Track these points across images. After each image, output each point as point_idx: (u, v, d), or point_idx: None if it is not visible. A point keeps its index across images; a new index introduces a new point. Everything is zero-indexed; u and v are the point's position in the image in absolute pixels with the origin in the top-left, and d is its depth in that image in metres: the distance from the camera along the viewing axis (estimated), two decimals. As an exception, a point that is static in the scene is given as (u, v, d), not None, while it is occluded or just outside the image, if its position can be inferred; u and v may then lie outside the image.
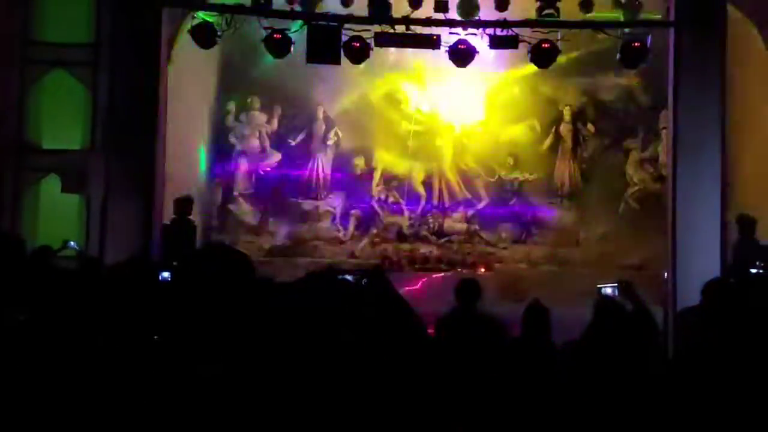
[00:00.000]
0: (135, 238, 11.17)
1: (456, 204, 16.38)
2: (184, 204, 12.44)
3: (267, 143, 16.38)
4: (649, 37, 11.88)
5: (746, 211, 11.86)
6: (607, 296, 9.39)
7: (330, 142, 16.40)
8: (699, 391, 3.56)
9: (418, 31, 12.05)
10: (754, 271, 10.85)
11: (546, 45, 11.77)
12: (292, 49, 12.03)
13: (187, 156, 14.97)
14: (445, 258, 15.81)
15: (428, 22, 11.96)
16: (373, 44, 12.03)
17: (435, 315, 6.89)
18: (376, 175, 16.39)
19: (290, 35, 11.94)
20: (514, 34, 11.86)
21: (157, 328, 2.73)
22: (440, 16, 11.87)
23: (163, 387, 2.50)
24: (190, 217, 12.56)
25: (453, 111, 16.37)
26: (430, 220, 16.26)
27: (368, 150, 16.41)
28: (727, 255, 11.35)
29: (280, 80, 15.69)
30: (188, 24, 11.99)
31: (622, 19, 11.98)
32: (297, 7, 12.00)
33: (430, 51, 12.39)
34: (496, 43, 11.94)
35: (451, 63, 12.20)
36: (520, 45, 11.94)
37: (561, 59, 12.38)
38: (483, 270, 15.25)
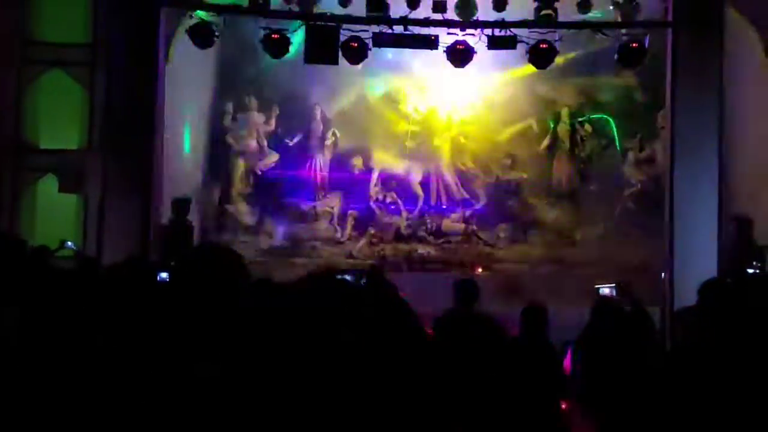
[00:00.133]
0: (132, 239, 11.16)
1: (454, 204, 16.38)
2: (181, 204, 12.46)
3: (264, 143, 16.38)
4: (647, 37, 11.89)
5: (742, 211, 11.88)
6: (605, 296, 9.42)
7: (328, 143, 16.40)
8: (695, 390, 3.56)
9: (416, 32, 12.06)
10: (750, 271, 10.88)
11: (544, 46, 11.78)
12: (290, 49, 12.03)
13: (185, 156, 14.97)
14: (442, 258, 15.82)
15: (426, 22, 11.97)
16: (371, 44, 12.03)
17: (433, 315, 6.89)
18: (374, 176, 16.40)
19: (288, 35, 11.95)
20: (512, 34, 11.87)
21: (156, 329, 2.72)
22: (438, 16, 11.88)
23: (161, 387, 2.50)
24: (188, 217, 12.57)
25: (451, 111, 16.38)
26: (428, 221, 16.27)
27: (366, 150, 16.42)
28: (723, 255, 11.36)
29: (278, 80, 15.70)
30: (186, 24, 11.99)
31: (619, 19, 11.99)
32: (295, 8, 12.00)
33: (428, 51, 12.39)
34: (494, 43, 11.95)
35: (449, 63, 12.21)
36: (518, 45, 11.95)
37: (558, 59, 12.40)
38: (481, 270, 15.26)
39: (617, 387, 4.78)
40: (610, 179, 16.02)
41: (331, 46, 11.81)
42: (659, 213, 12.80)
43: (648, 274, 13.43)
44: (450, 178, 16.47)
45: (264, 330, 2.68)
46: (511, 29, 11.87)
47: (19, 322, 3.33)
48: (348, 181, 16.44)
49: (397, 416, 2.83)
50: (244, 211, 16.26)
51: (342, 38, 11.85)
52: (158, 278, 3.94)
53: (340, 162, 16.44)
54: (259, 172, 16.31)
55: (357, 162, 16.40)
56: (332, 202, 16.40)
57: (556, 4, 11.76)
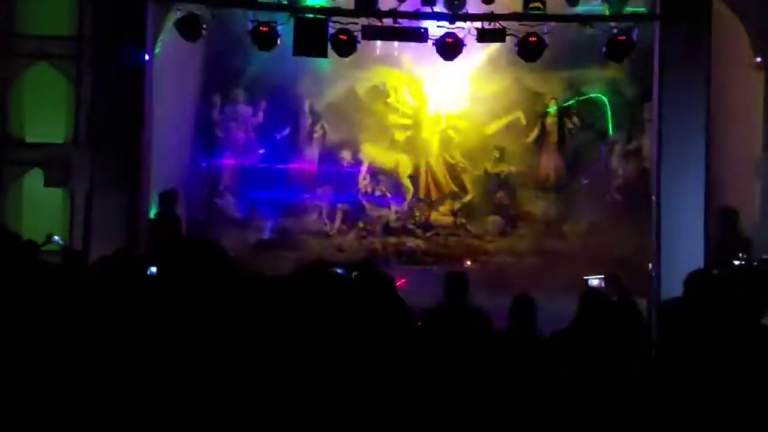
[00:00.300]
0: (119, 233, 11.12)
1: (442, 197, 16.40)
2: (169, 198, 12.42)
3: (253, 136, 16.33)
4: (635, 30, 11.92)
5: (729, 203, 11.95)
6: (593, 288, 9.46)
7: (316, 136, 16.36)
8: (681, 382, 3.58)
9: (406, 25, 12.06)
10: (736, 262, 10.95)
11: (533, 39, 11.80)
12: (279, 41, 12.00)
13: (172, 150, 14.91)
14: (431, 251, 15.83)
15: (415, 15, 11.97)
16: (360, 37, 12.01)
17: (422, 308, 6.90)
18: (363, 169, 16.38)
19: (277, 28, 11.91)
20: (501, 27, 11.88)
21: (145, 323, 2.72)
22: (427, 9, 11.88)
23: (152, 381, 2.50)
24: (176, 211, 12.53)
25: (439, 104, 16.37)
26: (417, 214, 16.27)
27: (355, 143, 16.39)
28: (710, 247, 11.42)
29: (266, 73, 15.66)
30: (173, 16, 11.94)
31: (608, 12, 12.02)
32: (283, 0, 11.97)
33: (417, 44, 12.39)
34: (483, 36, 11.95)
35: (438, 56, 12.21)
36: (507, 38, 11.96)
37: (546, 52, 12.41)
38: (469, 263, 15.28)
39: (605, 378, 4.79)
40: (598, 171, 16.07)
41: (319, 38, 11.78)
42: (646, 205, 12.85)
43: (635, 266, 13.51)
44: (439, 171, 16.47)
45: (258, 323, 2.68)
46: (500, 22, 11.87)
47: (11, 317, 3.32)
48: (337, 174, 16.41)
49: (388, 407, 2.84)
50: (232, 205, 16.22)
51: (331, 31, 11.83)
52: (148, 273, 3.93)
53: (328, 155, 16.40)
54: (247, 166, 16.27)
55: (346, 155, 16.37)
56: (321, 196, 16.38)
57: (545, -3, 11.78)
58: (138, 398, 2.48)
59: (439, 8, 11.86)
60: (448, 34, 11.89)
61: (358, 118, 16.31)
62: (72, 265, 7.62)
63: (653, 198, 11.95)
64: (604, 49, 12.16)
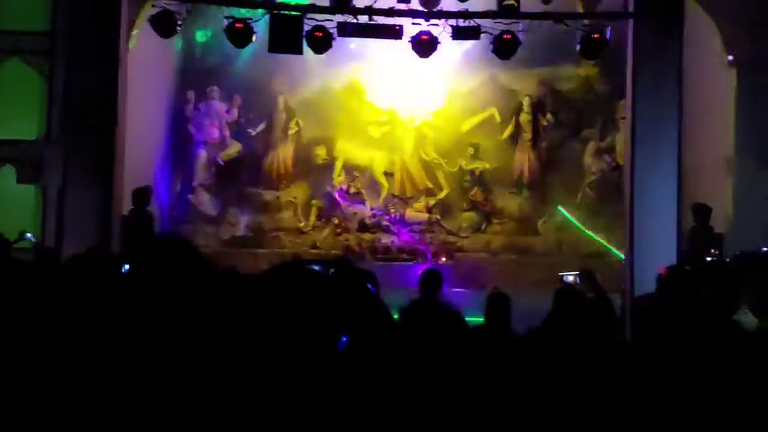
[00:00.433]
0: (93, 230, 11.03)
1: (417, 194, 16.44)
2: (142, 195, 12.33)
3: (227, 133, 16.28)
4: (609, 28, 12.00)
5: (700, 199, 12.07)
6: (567, 284, 9.51)
7: (291, 132, 16.34)
8: (654, 378, 3.61)
9: (381, 22, 12.06)
10: (709, 258, 11.05)
11: (507, 36, 11.84)
12: (254, 38, 11.97)
13: (146, 146, 14.82)
14: (407, 248, 15.87)
15: (391, 12, 11.97)
16: (335, 34, 12.00)
17: (397, 305, 6.91)
18: (338, 165, 16.38)
19: (252, 25, 11.88)
20: (475, 25, 11.91)
21: (119, 321, 2.71)
22: (403, 6, 11.89)
23: (127, 379, 2.49)
24: (149, 207, 12.46)
25: (414, 101, 16.40)
26: (392, 210, 16.29)
27: (329, 140, 16.39)
28: (683, 243, 11.53)
29: (241, 70, 15.62)
30: (147, 11, 11.87)
31: (581, 10, 12.09)
32: (258, -4, 11.95)
33: (392, 41, 12.40)
34: (457, 34, 11.98)
35: (413, 53, 12.22)
36: (482, 36, 12.00)
37: (521, 50, 12.45)
38: (444, 259, 15.33)
39: (579, 374, 4.83)
40: (572, 168, 16.18)
41: (295, 35, 11.75)
42: (620, 201, 12.95)
43: (609, 262, 13.62)
44: (413, 167, 16.50)
45: (234, 322, 2.68)
46: (475, 20, 11.90)
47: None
48: (311, 170, 16.40)
49: (365, 406, 2.85)
50: (206, 201, 16.17)
51: (306, 28, 11.80)
52: (123, 270, 3.91)
53: (303, 152, 16.39)
54: (221, 162, 16.22)
55: (320, 152, 16.36)
56: (295, 192, 16.37)
57: (519, -5, 11.83)
58: (112, 397, 2.47)
59: (414, 5, 11.88)
60: (423, 32, 11.91)
61: (333, 115, 16.31)
62: (44, 262, 7.57)
63: (626, 195, 12.04)
64: (577, 47, 12.22)
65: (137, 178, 12.93)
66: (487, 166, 16.42)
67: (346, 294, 3.93)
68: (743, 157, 12.71)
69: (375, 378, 3.12)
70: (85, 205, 11.24)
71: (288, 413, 2.50)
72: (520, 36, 11.92)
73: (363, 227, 16.18)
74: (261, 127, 16.36)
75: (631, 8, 11.91)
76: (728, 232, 12.10)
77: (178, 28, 11.79)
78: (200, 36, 15.71)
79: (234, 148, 16.30)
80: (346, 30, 12.09)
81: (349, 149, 16.39)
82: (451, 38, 12.14)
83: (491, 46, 12.08)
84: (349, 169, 16.38)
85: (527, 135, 16.35)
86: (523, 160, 16.37)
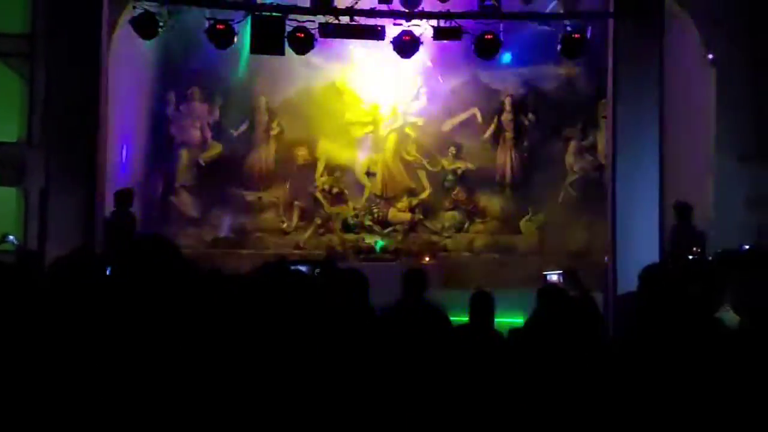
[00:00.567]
0: (76, 232, 10.97)
1: (400, 194, 16.46)
2: (124, 196, 12.26)
3: (208, 134, 16.24)
4: (589, 28, 12.05)
5: (682, 197, 12.13)
6: (551, 283, 9.56)
7: (273, 133, 16.33)
8: (637, 376, 3.63)
9: (363, 23, 12.06)
10: (691, 257, 11.10)
11: (489, 36, 11.87)
12: (235, 39, 11.94)
13: (127, 148, 14.77)
14: (389, 247, 15.88)
15: (372, 12, 11.98)
16: (317, 35, 11.99)
17: (381, 305, 6.91)
18: (320, 166, 16.38)
19: (234, 26, 11.85)
20: (457, 25, 11.94)
21: (104, 324, 2.70)
22: (384, 7, 11.90)
23: (111, 382, 2.49)
24: (131, 209, 12.39)
25: (396, 102, 16.43)
26: (375, 210, 16.30)
27: (311, 140, 16.39)
28: (665, 241, 11.59)
29: (222, 70, 15.58)
30: (128, 13, 11.81)
31: (562, 10, 12.14)
32: (239, -3, 11.92)
33: (374, 42, 12.40)
34: (439, 34, 12.00)
35: (394, 54, 12.24)
36: (463, 36, 12.03)
37: (502, 49, 12.49)
38: (427, 259, 15.36)
39: (563, 374, 4.85)
40: (554, 167, 16.24)
41: (277, 36, 11.73)
42: (602, 200, 13.01)
43: (592, 260, 13.67)
44: (395, 168, 16.52)
45: (218, 322, 2.68)
46: (456, 20, 11.93)
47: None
48: (293, 171, 16.39)
49: (350, 405, 2.86)
50: (188, 203, 16.13)
51: (288, 28, 11.79)
52: (107, 272, 3.89)
53: (285, 152, 16.38)
54: (203, 163, 16.18)
55: (302, 152, 16.36)
56: (278, 193, 16.35)
57: (500, -5, 11.86)
58: (98, 397, 2.46)
59: (395, 6, 11.88)
60: (404, 32, 11.93)
61: (314, 116, 16.31)
62: (27, 265, 7.52)
63: (608, 193, 12.10)
64: (558, 47, 12.27)
65: (118, 180, 12.87)
66: (470, 165, 16.47)
67: (331, 294, 3.94)
68: (724, 155, 12.78)
69: (361, 378, 3.13)
70: (68, 207, 11.18)
71: (274, 412, 2.51)
72: (502, 36, 11.96)
73: (346, 227, 16.19)
74: (243, 127, 16.33)
75: (611, 8, 11.97)
76: (710, 231, 12.17)
77: (159, 29, 11.74)
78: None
79: (215, 149, 16.26)
80: (327, 31, 12.07)
81: (331, 149, 16.39)
82: (432, 39, 12.16)
83: (473, 46, 12.11)
84: (331, 169, 16.38)
85: (509, 134, 16.41)
86: (505, 159, 16.44)
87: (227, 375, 2.52)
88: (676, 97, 12.37)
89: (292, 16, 11.82)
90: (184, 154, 16.11)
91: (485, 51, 12.17)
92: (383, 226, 16.22)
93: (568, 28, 12.06)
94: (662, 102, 11.64)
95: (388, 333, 6.49)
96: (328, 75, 16.08)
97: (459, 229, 16.32)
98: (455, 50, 14.04)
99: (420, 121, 16.52)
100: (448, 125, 16.48)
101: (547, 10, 12.93)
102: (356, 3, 11.89)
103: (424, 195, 16.48)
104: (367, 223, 16.20)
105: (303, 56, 12.63)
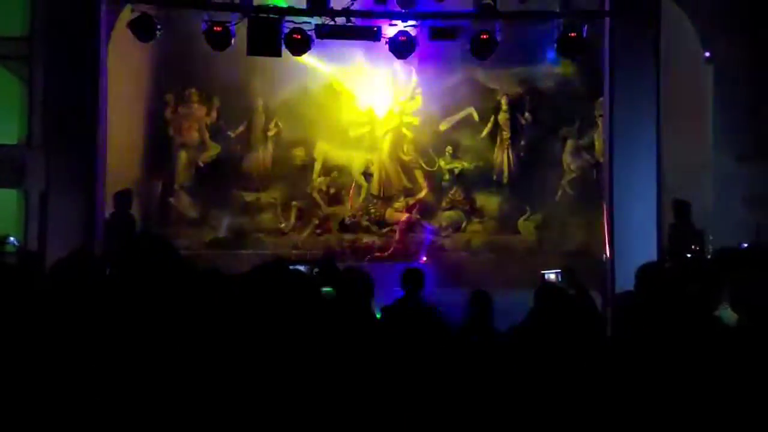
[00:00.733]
0: (76, 233, 11.00)
1: (397, 194, 16.46)
2: (123, 198, 12.30)
3: (206, 135, 16.24)
4: (585, 27, 12.06)
5: (680, 196, 12.15)
6: (549, 282, 9.57)
7: (270, 134, 16.34)
8: (636, 375, 3.64)
9: (359, 23, 12.07)
10: (689, 254, 11.13)
11: (485, 36, 11.87)
12: (233, 41, 11.95)
13: (126, 150, 14.77)
14: (387, 247, 15.89)
15: (368, 13, 11.99)
16: (314, 36, 12.00)
17: (380, 305, 6.93)
18: (317, 166, 16.38)
19: (231, 28, 11.86)
20: (453, 25, 11.94)
21: (104, 324, 2.72)
22: (380, 7, 11.91)
23: (112, 382, 2.50)
24: (130, 211, 12.42)
25: (392, 102, 16.43)
26: (372, 210, 16.31)
27: (308, 141, 16.39)
28: (663, 239, 11.61)
29: (219, 72, 15.57)
30: (127, 15, 11.82)
31: (558, 9, 12.14)
32: (237, -1, 11.92)
33: (370, 42, 12.41)
34: (435, 34, 12.01)
35: (391, 54, 12.25)
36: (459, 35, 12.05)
37: (498, 49, 12.49)
38: (425, 259, 15.36)
39: (561, 374, 4.86)
40: (551, 166, 16.25)
41: (273, 38, 11.75)
42: (599, 199, 13.02)
43: (590, 259, 13.68)
44: (392, 167, 16.52)
45: (217, 321, 2.70)
46: (452, 20, 11.94)
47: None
48: (291, 171, 16.39)
49: (349, 405, 2.87)
50: (186, 204, 16.12)
51: (284, 30, 11.80)
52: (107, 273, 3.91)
53: (282, 153, 16.39)
54: (201, 164, 16.19)
55: (299, 152, 16.36)
56: (275, 193, 16.35)
57: (496, -5, 11.87)
58: (98, 397, 2.48)
59: (391, 7, 11.89)
60: (400, 33, 11.93)
61: (311, 116, 16.30)
62: (28, 266, 7.54)
63: (606, 192, 12.12)
64: (555, 46, 12.28)
65: (117, 182, 12.88)
66: (466, 165, 16.47)
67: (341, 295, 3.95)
68: (722, 153, 12.81)
69: (360, 377, 3.14)
70: (68, 208, 11.21)
71: (273, 412, 2.52)
72: (498, 36, 11.96)
73: (343, 227, 16.20)
74: (240, 129, 16.33)
75: (607, 6, 11.99)
76: (708, 229, 12.20)
77: (157, 32, 11.75)
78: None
79: (214, 151, 16.26)
80: (324, 32, 12.09)
81: (328, 150, 16.39)
82: (428, 39, 12.17)
83: (469, 45, 12.12)
84: (329, 169, 16.38)
85: (506, 134, 16.41)
86: (502, 158, 16.43)
87: (226, 374, 2.53)
88: (673, 96, 12.39)
89: (288, 18, 11.84)
90: (182, 156, 16.11)
91: (481, 51, 12.17)
92: (380, 226, 16.23)
93: (565, 27, 12.06)
94: (659, 100, 11.66)
95: (387, 332, 6.50)
96: (324, 76, 16.08)
97: (456, 228, 16.32)
98: (451, 49, 14.04)
99: (416, 121, 16.51)
100: (444, 125, 16.47)
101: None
102: (352, 4, 11.90)
103: (421, 195, 16.49)
104: (365, 223, 16.21)
105: (300, 57, 12.64)
